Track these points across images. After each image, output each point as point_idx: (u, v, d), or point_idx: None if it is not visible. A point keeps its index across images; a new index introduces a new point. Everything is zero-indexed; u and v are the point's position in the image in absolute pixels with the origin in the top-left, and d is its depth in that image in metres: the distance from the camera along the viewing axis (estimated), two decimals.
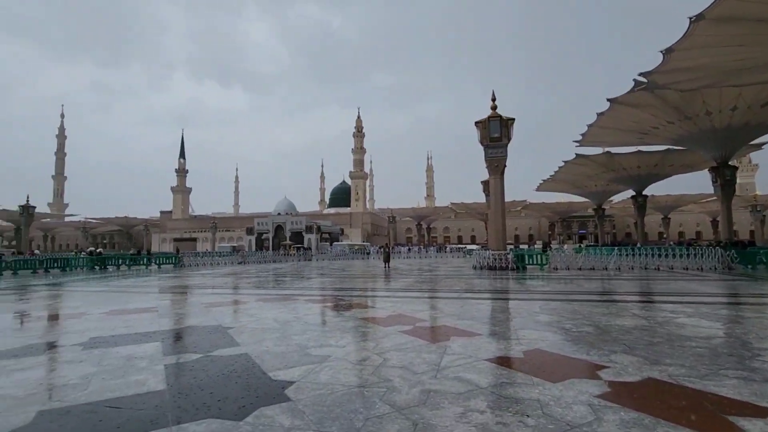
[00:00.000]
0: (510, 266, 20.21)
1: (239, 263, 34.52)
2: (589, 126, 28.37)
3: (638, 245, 30.49)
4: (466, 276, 17.57)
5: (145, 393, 3.75)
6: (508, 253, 21.09)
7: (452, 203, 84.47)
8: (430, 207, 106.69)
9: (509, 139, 20.98)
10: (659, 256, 20.81)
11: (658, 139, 29.19)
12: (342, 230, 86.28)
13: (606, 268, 19.44)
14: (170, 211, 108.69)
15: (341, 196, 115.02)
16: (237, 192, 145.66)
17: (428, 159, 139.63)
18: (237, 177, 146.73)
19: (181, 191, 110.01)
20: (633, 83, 20.09)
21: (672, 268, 19.37)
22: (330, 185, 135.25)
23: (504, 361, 4.62)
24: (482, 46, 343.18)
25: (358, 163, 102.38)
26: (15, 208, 51.55)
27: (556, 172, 42.09)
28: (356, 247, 53.58)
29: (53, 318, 8.40)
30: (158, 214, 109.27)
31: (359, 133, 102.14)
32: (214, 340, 5.84)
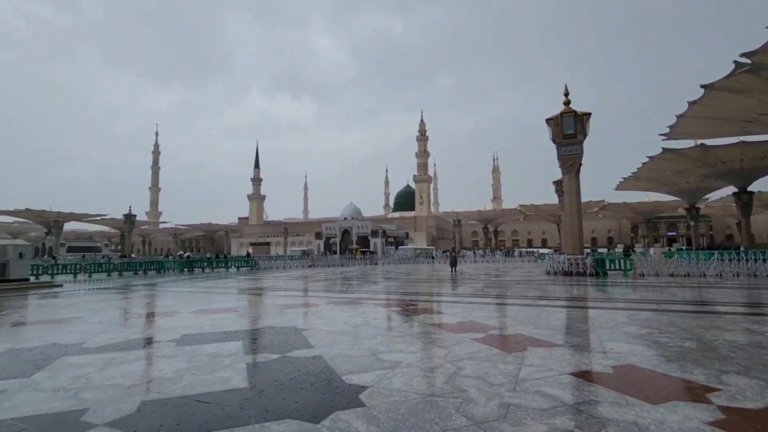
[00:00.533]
0: (588, 272, 18.78)
1: (309, 266, 35.99)
2: (679, 117, 25.61)
3: (743, 248, 26.72)
4: (538, 282, 16.64)
5: (230, 390, 3.97)
6: (585, 258, 19.63)
7: (521, 205, 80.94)
8: (496, 209, 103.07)
9: (585, 136, 19.60)
10: None
11: (766, 127, 25.50)
12: (407, 234, 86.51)
13: (704, 275, 17.31)
14: (247, 218, 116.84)
15: (405, 199, 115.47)
16: (306, 198, 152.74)
17: (494, 160, 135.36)
18: (306, 184, 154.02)
19: (256, 199, 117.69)
20: (733, 65, 17.80)
21: None
22: (394, 189, 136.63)
23: (591, 376, 4.23)
24: (550, 38, 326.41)
25: (422, 166, 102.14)
26: (120, 217, 58.73)
27: (639, 168, 38.53)
28: (420, 251, 53.31)
29: (150, 315, 9.33)
30: (236, 220, 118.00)
31: (422, 136, 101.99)
32: (289, 342, 6.07)
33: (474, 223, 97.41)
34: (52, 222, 65.87)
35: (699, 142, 32.57)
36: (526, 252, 53.11)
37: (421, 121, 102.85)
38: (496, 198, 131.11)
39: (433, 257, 47.35)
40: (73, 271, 25.66)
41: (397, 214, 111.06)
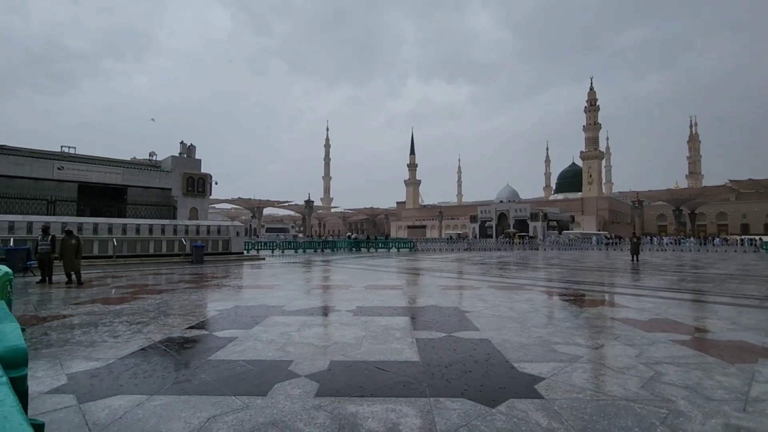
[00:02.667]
0: None
1: (464, 249, 35.92)
2: None
3: None
4: (766, 277, 12.91)
5: (403, 361, 4.20)
6: None
7: (731, 180, 64.06)
8: (694, 187, 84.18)
9: None
10: None
11: None
12: (572, 218, 78.32)
13: None
14: (404, 202, 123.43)
15: (570, 180, 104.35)
16: (459, 182, 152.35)
17: (691, 127, 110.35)
18: (459, 167, 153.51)
19: (413, 183, 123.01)
20: None
21: None
22: (556, 169, 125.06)
23: None
24: None
25: (592, 141, 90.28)
26: (302, 203, 69.14)
27: None
28: (588, 237, 47.44)
29: (330, 288, 10.67)
30: (395, 205, 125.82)
31: (592, 106, 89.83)
32: (454, 322, 6.12)
33: (661, 205, 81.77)
34: (255, 208, 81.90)
35: None
36: (741, 240, 41.93)
37: (591, 89, 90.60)
38: (694, 173, 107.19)
39: (607, 244, 41.76)
40: (271, 248, 31.42)
41: (560, 196, 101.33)
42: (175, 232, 19.82)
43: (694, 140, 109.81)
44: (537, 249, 38.99)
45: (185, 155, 24.16)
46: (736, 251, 34.54)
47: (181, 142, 24.25)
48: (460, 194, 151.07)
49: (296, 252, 30.38)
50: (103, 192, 21.74)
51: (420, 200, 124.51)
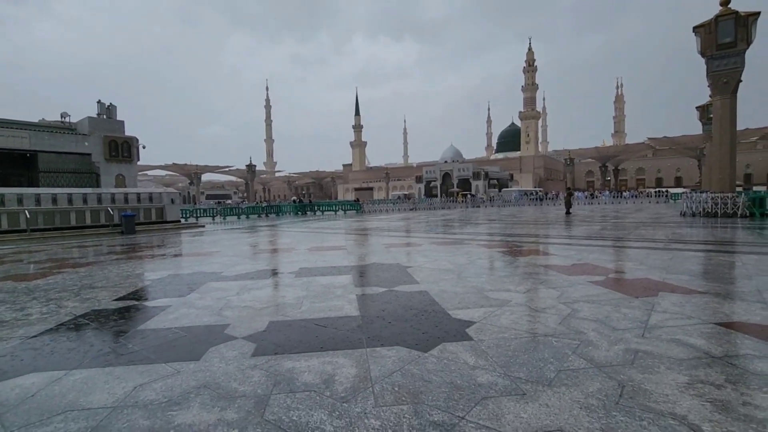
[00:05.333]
0: (740, 212, 15.76)
1: (410, 209, 36.67)
2: None
3: None
4: (672, 224, 14.51)
5: (343, 317, 4.27)
6: (737, 196, 16.40)
7: (650, 138, 69.98)
8: (618, 145, 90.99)
9: (748, 44, 15.58)
10: None
11: None
12: (511, 176, 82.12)
13: None
14: (350, 164, 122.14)
15: (510, 139, 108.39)
16: (406, 143, 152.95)
17: (617, 88, 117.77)
18: (405, 128, 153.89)
19: (358, 145, 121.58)
20: None
21: None
22: (497, 129, 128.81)
23: (748, 329, 3.56)
24: None
25: (529, 101, 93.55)
26: (244, 167, 66.01)
27: None
28: (532, 193, 50.25)
29: (272, 251, 10.47)
30: (341, 168, 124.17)
31: (530, 67, 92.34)
32: (395, 277, 6.28)
33: (590, 162, 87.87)
34: (192, 174, 77.13)
35: None
36: (656, 192, 46.53)
37: (529, 49, 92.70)
38: (619, 132, 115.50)
39: (541, 199, 44.46)
40: (211, 215, 30.01)
41: (500, 155, 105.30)
42: (99, 201, 18.21)
43: (619, 101, 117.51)
44: (479, 206, 40.73)
45: (105, 116, 21.84)
46: (650, 203, 38.35)
47: (99, 102, 21.82)
48: (406, 155, 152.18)
49: (239, 218, 29.31)
50: (8, 159, 19.25)
51: (367, 162, 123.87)
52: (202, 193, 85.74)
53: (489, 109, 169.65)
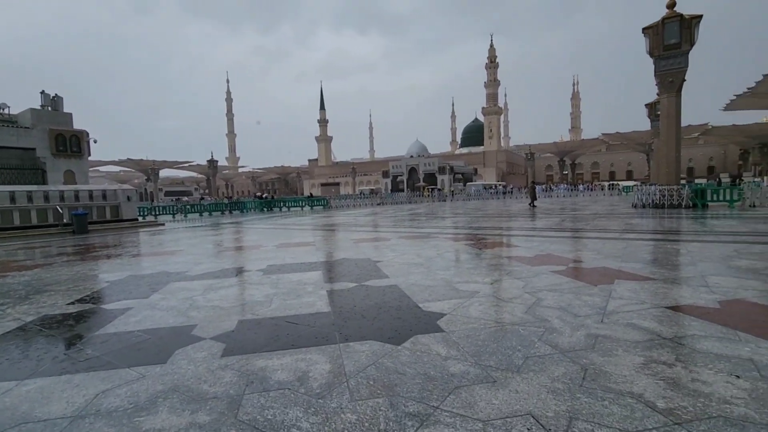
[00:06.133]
0: (685, 203, 16.91)
1: (377, 204, 36.75)
2: None
3: None
4: (625, 215, 15.36)
5: (315, 313, 4.24)
6: (682, 188, 17.58)
7: (603, 134, 73.59)
8: (575, 140, 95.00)
9: (691, 45, 16.64)
10: None
11: None
12: (475, 170, 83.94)
13: None
14: (316, 159, 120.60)
15: (473, 134, 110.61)
16: (372, 138, 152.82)
17: (574, 85, 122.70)
18: (371, 123, 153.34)
19: (324, 140, 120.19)
20: None
21: None
22: (461, 124, 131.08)
23: (693, 311, 3.85)
24: None
25: (491, 97, 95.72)
26: (205, 163, 63.69)
27: (759, 83, 32.39)
28: (491, 187, 51.64)
29: (239, 249, 10.22)
30: (307, 163, 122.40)
31: (492, 63, 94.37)
32: (365, 272, 6.29)
33: (549, 156, 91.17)
34: (150, 170, 73.61)
35: None
36: (609, 185, 49.03)
37: (491, 46, 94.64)
38: (575, 128, 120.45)
39: (504, 193, 45.76)
40: (171, 212, 28.82)
41: (465, 150, 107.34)
42: (46, 199, 17.05)
43: (575, 97, 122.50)
44: (444, 200, 41.42)
45: (50, 108, 20.39)
46: (604, 195, 40.39)
47: (42, 92, 20.33)
48: (372, 150, 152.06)
49: (201, 215, 28.30)
50: None
51: (333, 157, 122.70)
52: (161, 189, 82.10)
53: (453, 105, 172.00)
